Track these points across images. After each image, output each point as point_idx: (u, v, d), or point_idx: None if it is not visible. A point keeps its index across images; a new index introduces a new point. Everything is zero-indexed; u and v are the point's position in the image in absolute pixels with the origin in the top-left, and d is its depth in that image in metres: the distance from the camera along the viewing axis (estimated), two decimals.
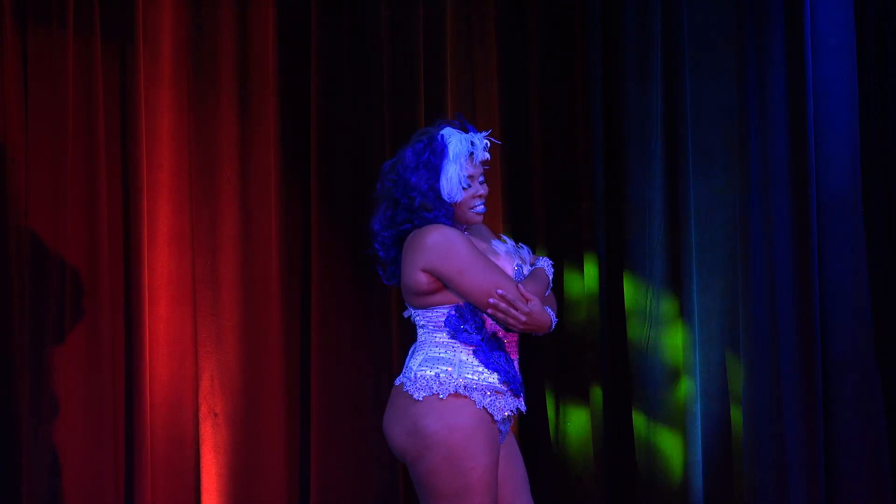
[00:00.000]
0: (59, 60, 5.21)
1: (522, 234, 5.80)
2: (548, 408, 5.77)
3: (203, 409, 5.45)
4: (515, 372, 3.78)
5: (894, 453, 5.68)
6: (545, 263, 3.88)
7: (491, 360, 3.74)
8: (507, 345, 3.78)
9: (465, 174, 3.79)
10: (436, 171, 3.79)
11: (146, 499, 5.24)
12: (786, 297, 5.62)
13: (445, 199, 3.78)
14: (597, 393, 5.74)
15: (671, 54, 5.83)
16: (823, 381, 5.63)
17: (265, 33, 5.53)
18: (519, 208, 5.82)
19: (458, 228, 3.83)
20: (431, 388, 3.71)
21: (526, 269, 3.87)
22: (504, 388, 3.74)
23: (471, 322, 3.74)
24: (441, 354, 3.74)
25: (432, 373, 3.72)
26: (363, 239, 5.57)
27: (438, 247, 3.71)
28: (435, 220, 3.77)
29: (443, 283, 3.72)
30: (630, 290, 5.81)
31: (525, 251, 3.94)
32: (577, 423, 5.78)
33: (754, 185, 5.68)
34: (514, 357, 3.81)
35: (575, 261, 5.81)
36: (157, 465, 5.33)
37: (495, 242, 3.87)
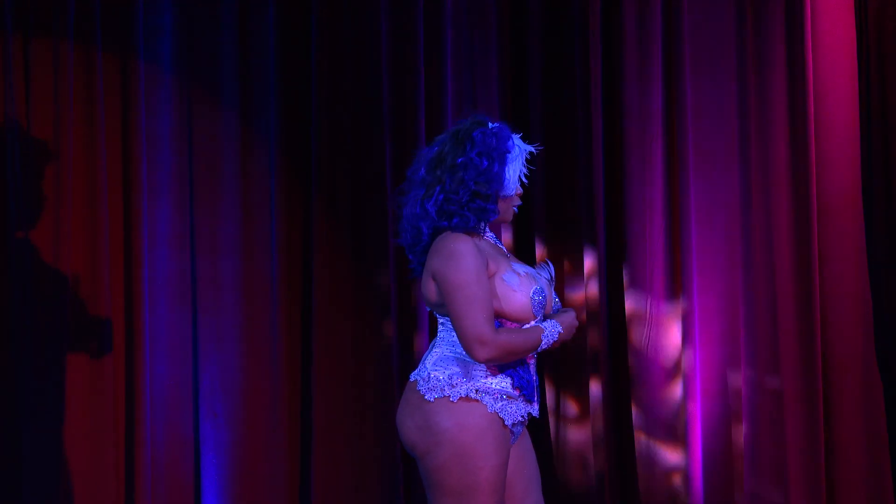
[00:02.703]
0: (60, 63, 5.20)
1: (523, 233, 5.80)
2: (547, 409, 5.77)
3: (203, 410, 5.44)
4: (530, 377, 3.74)
5: (895, 453, 5.68)
6: (551, 329, 3.71)
7: (506, 366, 3.72)
8: None
9: (525, 168, 3.79)
10: (504, 160, 3.75)
11: (146, 499, 5.24)
12: (786, 298, 5.62)
13: (505, 190, 3.75)
14: (596, 393, 5.73)
15: (671, 54, 5.83)
16: (824, 382, 5.63)
17: (265, 35, 5.52)
18: (519, 208, 5.80)
19: (485, 228, 3.80)
20: (443, 390, 3.68)
21: (552, 293, 3.82)
22: (516, 393, 3.72)
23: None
24: (456, 355, 3.71)
25: (445, 375, 3.69)
26: (365, 239, 5.59)
27: (449, 254, 3.65)
28: (487, 214, 3.73)
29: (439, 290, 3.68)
30: (630, 291, 5.81)
31: (549, 270, 3.90)
32: (577, 422, 5.78)
33: (755, 185, 5.68)
34: (531, 360, 3.78)
35: (575, 261, 5.81)
36: (157, 465, 5.33)
37: (516, 265, 3.77)
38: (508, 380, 3.71)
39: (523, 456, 3.82)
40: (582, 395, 5.77)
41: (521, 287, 3.71)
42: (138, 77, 5.31)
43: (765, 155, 5.68)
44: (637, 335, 5.79)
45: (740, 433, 5.65)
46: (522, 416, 3.74)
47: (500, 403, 3.70)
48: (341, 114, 5.58)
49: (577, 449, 5.77)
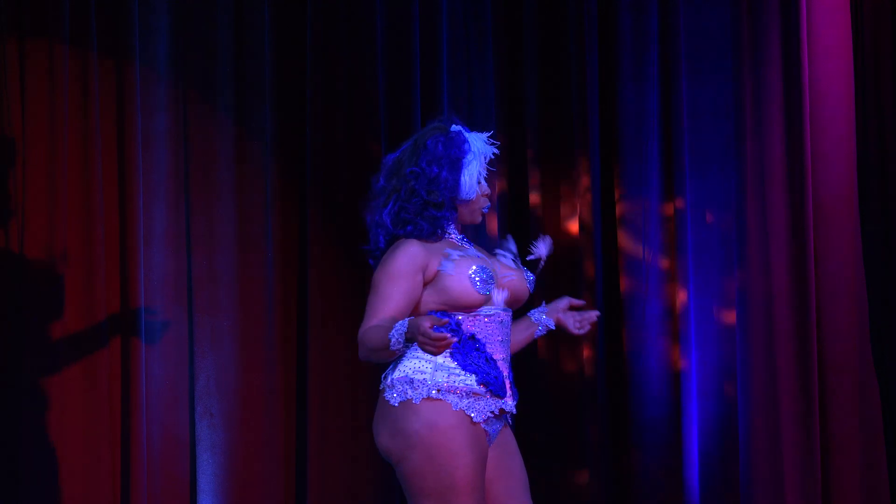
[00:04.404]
0: (55, 63, 5.19)
1: (519, 233, 5.79)
2: (543, 410, 5.77)
3: (199, 410, 5.44)
4: (497, 372, 3.72)
5: (891, 454, 5.68)
6: (398, 328, 3.56)
7: (469, 362, 3.70)
8: (488, 346, 3.74)
9: (484, 171, 3.78)
10: (458, 166, 3.76)
11: (142, 499, 5.24)
12: (782, 297, 5.61)
13: (462, 196, 3.75)
14: (594, 390, 5.74)
15: (667, 54, 5.83)
16: (820, 381, 5.62)
17: (262, 33, 5.52)
18: (516, 207, 5.81)
19: (453, 229, 3.80)
20: (406, 393, 3.70)
21: (517, 269, 3.83)
22: (482, 389, 3.71)
23: (448, 325, 3.70)
24: (420, 356, 3.72)
25: (406, 378, 3.71)
26: (360, 238, 5.58)
27: (384, 258, 3.71)
28: (439, 222, 3.74)
29: None
30: (628, 291, 5.81)
31: (509, 245, 3.90)
32: (569, 422, 5.78)
33: (751, 184, 5.68)
34: (499, 356, 3.76)
35: (572, 260, 5.81)
36: (153, 465, 5.32)
37: (454, 251, 3.75)
38: (473, 377, 3.70)
39: (504, 456, 3.78)
40: (576, 396, 5.77)
41: (456, 270, 3.70)
42: (134, 76, 5.30)
43: (760, 154, 5.67)
44: (635, 335, 5.80)
45: (736, 432, 5.65)
46: (492, 412, 3.71)
47: (465, 401, 3.68)
48: (336, 113, 5.58)
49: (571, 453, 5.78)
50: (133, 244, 5.29)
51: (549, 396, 5.78)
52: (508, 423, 3.81)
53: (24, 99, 5.21)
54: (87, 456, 5.20)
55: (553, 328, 3.89)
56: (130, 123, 5.31)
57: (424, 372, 3.69)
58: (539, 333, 3.94)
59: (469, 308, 3.71)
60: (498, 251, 3.87)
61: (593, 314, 3.97)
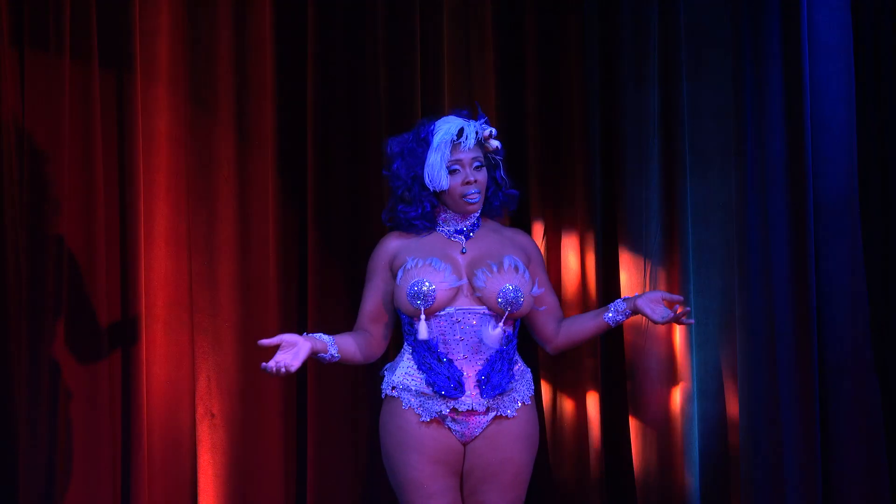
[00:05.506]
0: (56, 66, 5.20)
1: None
2: (542, 409, 5.77)
3: (200, 410, 5.45)
4: (451, 372, 3.75)
5: (891, 454, 5.67)
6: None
7: (423, 363, 3.77)
8: (442, 345, 3.75)
9: (449, 160, 3.77)
10: (420, 158, 3.78)
11: (143, 500, 5.25)
12: (783, 298, 5.61)
13: (429, 186, 3.76)
14: (593, 395, 5.73)
15: (668, 55, 5.83)
16: (820, 382, 5.62)
17: (262, 36, 5.53)
18: (516, 208, 5.81)
19: (456, 220, 3.81)
20: (381, 387, 3.88)
21: (482, 276, 3.82)
22: (429, 390, 3.73)
23: (408, 327, 3.82)
24: (400, 356, 3.86)
25: (382, 374, 3.89)
26: (360, 240, 5.60)
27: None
28: (409, 216, 3.77)
29: None
30: (627, 291, 5.80)
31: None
32: (572, 424, 5.77)
33: (751, 185, 5.67)
34: (460, 356, 3.76)
35: (571, 261, 5.81)
36: (153, 465, 5.33)
37: (415, 259, 3.81)
38: (423, 376, 3.74)
39: (489, 449, 3.78)
40: (579, 398, 5.77)
41: (402, 281, 3.77)
42: (134, 78, 5.31)
43: (761, 154, 5.67)
44: (634, 336, 5.79)
45: (736, 432, 5.64)
46: (440, 412, 3.73)
47: (416, 399, 3.75)
48: (337, 115, 5.59)
49: (573, 450, 5.78)
50: (134, 244, 5.29)
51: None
52: (507, 416, 3.80)
53: (24, 100, 5.21)
54: (87, 456, 5.22)
55: (625, 316, 3.90)
56: (131, 125, 5.31)
57: (393, 369, 3.84)
58: (610, 319, 3.90)
59: (408, 316, 3.75)
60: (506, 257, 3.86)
61: (685, 313, 3.90)
